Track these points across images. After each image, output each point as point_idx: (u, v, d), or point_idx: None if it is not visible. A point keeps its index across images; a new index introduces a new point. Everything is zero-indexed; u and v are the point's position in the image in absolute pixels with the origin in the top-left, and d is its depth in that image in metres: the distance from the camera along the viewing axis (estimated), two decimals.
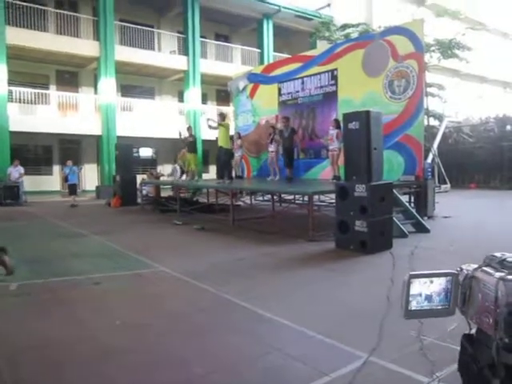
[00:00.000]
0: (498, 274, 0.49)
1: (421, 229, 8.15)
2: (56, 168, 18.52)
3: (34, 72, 18.10)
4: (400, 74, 9.50)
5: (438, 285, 0.55)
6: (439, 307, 0.56)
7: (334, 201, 7.65)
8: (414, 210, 8.89)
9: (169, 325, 3.86)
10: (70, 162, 14.93)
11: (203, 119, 19.54)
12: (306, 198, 10.41)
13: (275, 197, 12.02)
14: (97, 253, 7.05)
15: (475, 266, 0.53)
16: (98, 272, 5.61)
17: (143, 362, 3.12)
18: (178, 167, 14.43)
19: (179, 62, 19.89)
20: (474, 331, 0.55)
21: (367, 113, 6.63)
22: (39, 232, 8.99)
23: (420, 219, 8.44)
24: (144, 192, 14.14)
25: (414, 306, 0.56)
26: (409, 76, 9.32)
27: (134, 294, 4.89)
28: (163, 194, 14.31)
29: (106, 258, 6.62)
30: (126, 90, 20.09)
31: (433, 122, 18.46)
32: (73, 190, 14.57)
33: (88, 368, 3.04)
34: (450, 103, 19.48)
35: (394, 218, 7.33)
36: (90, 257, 6.73)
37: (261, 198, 13.65)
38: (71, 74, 19.43)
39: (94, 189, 17.62)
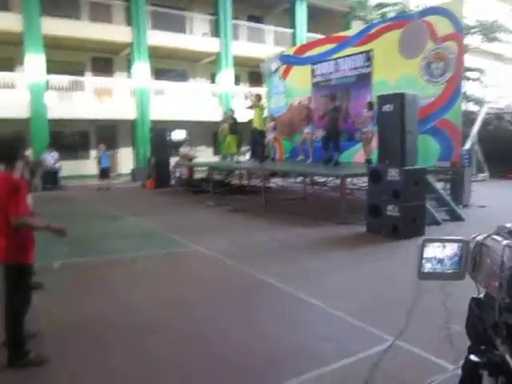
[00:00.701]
0: (505, 242, 0.52)
1: (455, 217, 7.95)
2: (93, 153, 18.98)
3: (70, 60, 18.49)
4: (438, 56, 9.19)
5: (450, 250, 0.59)
6: (450, 271, 0.59)
7: (366, 184, 7.58)
8: (448, 198, 8.67)
9: (202, 301, 4.01)
10: (102, 146, 15.30)
11: (236, 101, 19.62)
12: (338, 181, 10.33)
13: (307, 179, 11.99)
14: (134, 233, 7.30)
15: (486, 235, 0.56)
16: (135, 251, 5.83)
17: (177, 337, 3.27)
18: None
19: (211, 45, 19.89)
20: (482, 295, 0.58)
21: (402, 95, 6.51)
22: (78, 214, 9.35)
23: (454, 207, 8.23)
24: (177, 174, 14.37)
25: (427, 268, 0.60)
26: (448, 58, 9.01)
27: (170, 271, 5.07)
28: (196, 175, 14.52)
29: (143, 238, 6.86)
30: (159, 73, 20.29)
31: (472, 107, 17.79)
32: (105, 173, 14.97)
33: (127, 339, 3.22)
34: (491, 88, 18.69)
35: (427, 205, 7.20)
36: (128, 237, 6.98)
37: (293, 180, 13.64)
38: (106, 61, 19.77)
39: (129, 172, 18.04)
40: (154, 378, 2.69)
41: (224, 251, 5.66)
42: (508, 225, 0.55)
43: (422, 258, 0.59)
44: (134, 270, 5.07)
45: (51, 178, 14.45)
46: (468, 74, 16.56)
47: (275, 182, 12.86)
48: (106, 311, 3.75)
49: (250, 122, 13.76)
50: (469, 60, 16.41)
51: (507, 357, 0.53)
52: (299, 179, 12.89)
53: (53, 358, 2.87)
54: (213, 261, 5.39)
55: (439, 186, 9.07)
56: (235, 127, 12.85)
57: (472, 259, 0.58)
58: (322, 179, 12.15)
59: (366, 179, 7.49)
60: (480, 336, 0.58)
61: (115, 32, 17.61)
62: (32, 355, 2.81)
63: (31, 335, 3.00)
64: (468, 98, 16.51)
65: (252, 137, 11.09)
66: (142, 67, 18.00)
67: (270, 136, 12.76)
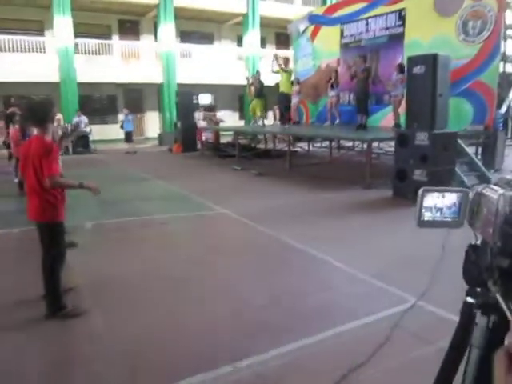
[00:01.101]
0: (501, 191, 0.55)
1: (485, 181, 7.68)
2: (120, 117, 19.25)
3: (97, 23, 18.46)
4: (476, 14, 8.74)
5: (449, 199, 0.62)
6: (449, 219, 0.62)
7: (393, 149, 7.46)
8: (479, 162, 8.45)
9: (231, 262, 4.15)
10: (125, 110, 15.43)
11: (262, 64, 19.29)
12: (365, 145, 10.20)
13: (333, 143, 11.87)
14: (161, 195, 7.48)
15: (485, 185, 0.59)
16: (163, 213, 6.00)
17: (204, 292, 3.41)
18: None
19: (238, 5, 19.43)
20: (478, 242, 0.62)
21: (434, 56, 6.28)
22: (108, 177, 9.58)
23: (485, 171, 8.04)
24: (204, 138, 14.45)
25: (426, 216, 0.63)
26: (486, 16, 8.56)
27: (197, 233, 5.23)
28: (222, 140, 14.57)
29: (170, 201, 7.03)
30: (185, 36, 20.07)
31: (510, 68, 16.92)
32: (129, 137, 15.11)
33: (157, 298, 3.38)
34: None
35: (457, 169, 7.05)
36: (156, 199, 7.17)
37: (319, 145, 13.52)
38: (132, 23, 19.65)
39: (156, 136, 18.24)
40: (180, 332, 2.84)
41: (249, 214, 5.76)
42: (508, 176, 0.57)
43: (421, 206, 0.62)
44: (163, 231, 5.24)
45: (82, 142, 14.79)
46: (509, 32, 15.66)
47: (301, 146, 12.78)
48: (136, 269, 3.93)
49: (277, 85, 13.60)
50: (511, 17, 15.50)
51: (498, 296, 0.57)
52: (325, 143, 12.76)
53: (88, 310, 3.06)
54: (239, 224, 5.50)
55: (471, 150, 8.84)
56: (261, 91, 12.72)
57: (470, 208, 0.61)
58: (349, 143, 12.00)
59: (393, 143, 7.36)
60: (475, 279, 0.62)
61: None
62: (69, 308, 3.01)
63: (67, 290, 3.21)
64: (507, 59, 15.67)
65: (279, 100, 11.00)
66: (168, 29, 17.82)
67: (294, 100, 12.59)
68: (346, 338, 2.69)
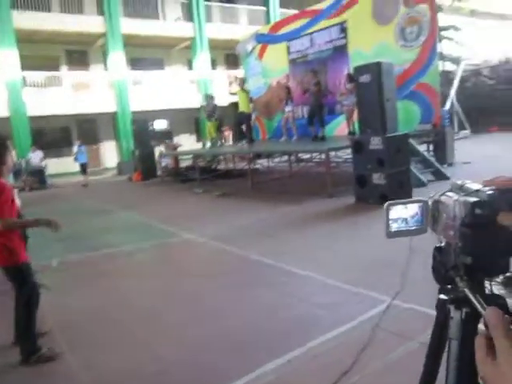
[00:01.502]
0: (455, 197, 0.62)
1: (440, 176, 8.15)
2: (76, 149, 18.87)
3: (45, 54, 18.15)
4: (412, 20, 9.22)
5: (412, 209, 0.68)
6: (414, 227, 0.68)
7: (350, 156, 7.68)
8: (433, 159, 8.85)
9: (201, 286, 4.10)
10: (77, 142, 15.08)
11: (215, 85, 19.49)
12: (323, 156, 10.43)
13: (292, 157, 12.07)
14: (125, 226, 7.35)
15: (441, 192, 0.65)
16: (128, 244, 5.90)
17: (177, 320, 3.37)
18: None
19: (185, 30, 19.64)
20: (442, 244, 0.68)
21: (378, 64, 6.57)
22: (69, 211, 9.33)
23: (439, 167, 8.43)
24: (163, 164, 14.36)
25: (393, 228, 0.68)
26: (421, 21, 9.04)
27: (164, 261, 5.16)
28: (182, 164, 14.51)
29: (135, 231, 6.92)
30: (135, 63, 20.02)
31: (450, 66, 17.92)
32: (83, 169, 14.80)
33: (129, 332, 3.31)
34: (467, 45, 18.80)
35: (412, 168, 7.35)
36: (120, 230, 7.04)
37: (278, 160, 13.71)
38: (81, 53, 19.45)
39: (115, 165, 17.96)
40: (161, 362, 2.79)
41: (215, 236, 5.75)
42: (459, 182, 0.64)
43: (388, 219, 0.68)
44: (130, 262, 5.15)
45: (38, 178, 14.35)
46: (443, 33, 16.61)
47: (260, 163, 12.92)
48: (106, 303, 3.83)
49: (231, 105, 13.77)
50: (444, 19, 16.47)
51: (466, 291, 0.63)
52: (284, 158, 12.97)
53: (63, 353, 2.96)
54: (206, 247, 5.47)
55: (423, 148, 9.23)
56: (213, 113, 12.90)
57: (431, 215, 0.67)
58: (307, 156, 12.24)
59: (349, 151, 7.59)
60: (444, 278, 0.68)
61: (87, 22, 17.33)
62: (44, 351, 2.89)
63: (41, 334, 3.09)
64: (444, 58, 16.59)
65: (239, 120, 11.21)
66: (117, 57, 17.76)
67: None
68: (328, 347, 2.71)
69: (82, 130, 19.07)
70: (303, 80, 11.58)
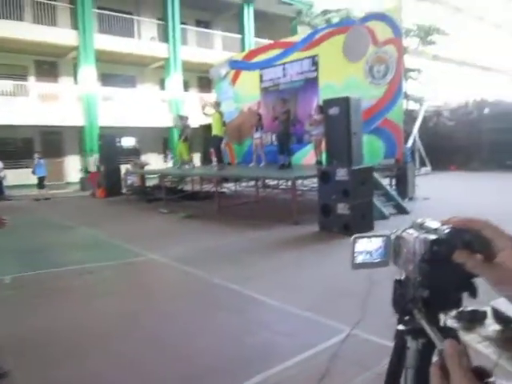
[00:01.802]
0: (415, 234, 0.67)
1: (401, 210, 8.43)
2: (35, 161, 18.32)
3: (12, 63, 17.71)
4: (380, 59, 9.67)
5: (376, 243, 0.72)
6: (377, 260, 0.73)
7: (316, 185, 7.84)
8: (394, 193, 9.15)
9: (161, 309, 4.03)
10: (36, 155, 14.63)
11: (186, 107, 19.55)
12: (289, 183, 10.59)
13: (259, 183, 12.18)
14: (86, 243, 7.15)
15: (403, 229, 0.70)
16: (89, 262, 5.73)
17: (137, 345, 3.29)
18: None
19: (160, 50, 19.73)
20: (403, 277, 0.73)
21: (347, 99, 6.81)
22: (28, 225, 9.02)
23: (400, 201, 8.72)
24: (129, 182, 14.15)
25: (359, 260, 0.73)
26: (388, 61, 9.50)
27: (125, 281, 5.04)
28: (148, 183, 14.35)
29: (96, 249, 6.74)
30: (106, 79, 19.86)
31: (413, 105, 18.79)
32: (41, 183, 14.35)
33: (82, 355, 3.20)
34: (430, 87, 19.81)
35: (375, 201, 7.57)
36: (80, 248, 6.84)
37: (245, 185, 13.80)
38: (50, 64, 19.11)
39: (78, 180, 17.52)
40: None
41: (179, 258, 5.69)
42: (419, 220, 0.69)
43: (354, 252, 0.73)
44: (89, 281, 5.00)
45: None
46: (409, 73, 17.47)
47: (228, 187, 12.96)
48: (60, 324, 3.69)
49: (202, 127, 13.84)
50: (409, 61, 17.35)
51: (422, 322, 0.68)
52: (252, 183, 13.07)
53: (10, 371, 2.82)
54: (169, 268, 5.40)
55: (386, 182, 9.54)
56: (187, 135, 12.95)
57: (393, 249, 0.72)
58: (274, 182, 12.39)
59: (316, 180, 7.75)
60: (403, 309, 0.72)
61: (60, 34, 17.06)
62: None
63: None
64: (409, 97, 17.41)
65: (213, 143, 11.30)
66: (88, 71, 17.55)
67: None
68: (288, 375, 2.72)
69: (46, 143, 18.58)
70: (274, 108, 11.84)
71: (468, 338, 1.58)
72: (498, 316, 1.63)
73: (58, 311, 4.02)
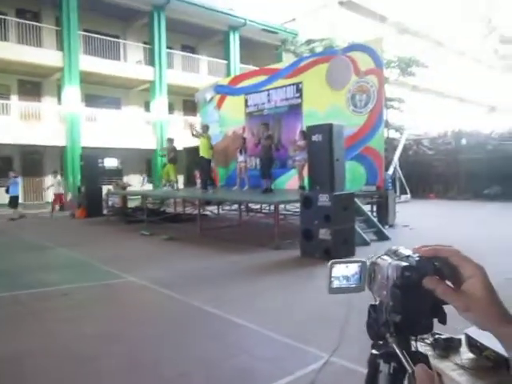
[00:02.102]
0: (389, 260, 0.70)
1: (382, 237, 8.52)
2: (11, 180, 17.99)
3: None
4: (361, 89, 9.93)
5: (352, 269, 0.75)
6: (353, 285, 0.75)
7: (299, 210, 7.89)
8: (375, 219, 9.27)
9: (139, 332, 3.95)
10: (11, 173, 14.35)
11: (171, 129, 19.63)
12: (272, 207, 10.64)
13: (242, 206, 12.20)
14: (64, 264, 7.01)
15: (378, 255, 0.73)
16: (66, 283, 5.61)
17: (114, 369, 3.21)
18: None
19: (145, 73, 19.91)
20: (377, 302, 0.75)
21: (330, 126, 6.95)
22: (4, 245, 8.82)
23: (381, 228, 8.82)
24: (110, 203, 14.01)
25: (335, 284, 0.75)
26: (369, 90, 9.76)
27: (103, 304, 4.94)
28: (130, 204, 14.22)
29: (74, 270, 6.61)
30: (91, 100, 19.87)
31: (394, 134, 19.23)
32: (15, 202, 14.02)
33: (59, 378, 3.11)
34: (410, 116, 20.36)
35: (357, 227, 7.64)
36: (58, 269, 6.69)
37: (228, 208, 13.79)
38: (34, 84, 19.07)
39: None
40: None
41: (158, 281, 5.62)
42: (394, 247, 0.72)
43: (330, 276, 0.75)
44: (64, 303, 4.89)
45: None
46: (390, 103, 17.94)
47: (210, 209, 12.94)
48: (35, 347, 3.58)
49: (186, 150, 13.90)
50: (390, 90, 17.85)
51: (394, 346, 0.70)
52: (234, 206, 13.08)
53: None
54: (148, 291, 5.33)
55: (367, 208, 9.66)
56: (175, 156, 12.99)
57: (368, 275, 0.74)
58: (257, 206, 12.43)
59: (298, 205, 7.81)
60: (376, 334, 0.75)
61: (45, 55, 17.12)
62: None
63: None
64: (390, 126, 17.83)
65: (200, 165, 11.41)
66: (72, 92, 17.54)
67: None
68: None
69: (26, 161, 18.36)
70: (255, 132, 12.02)
71: (442, 365, 1.60)
72: (472, 344, 1.66)
73: (32, 333, 3.91)
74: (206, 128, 11.47)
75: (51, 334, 3.92)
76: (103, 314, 4.55)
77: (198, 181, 12.66)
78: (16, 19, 17.29)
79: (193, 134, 11.41)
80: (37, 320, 4.30)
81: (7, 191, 14.08)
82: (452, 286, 0.64)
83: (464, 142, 19.48)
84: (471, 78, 30.66)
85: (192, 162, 13.72)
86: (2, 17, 16.63)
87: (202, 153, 11.07)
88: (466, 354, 1.65)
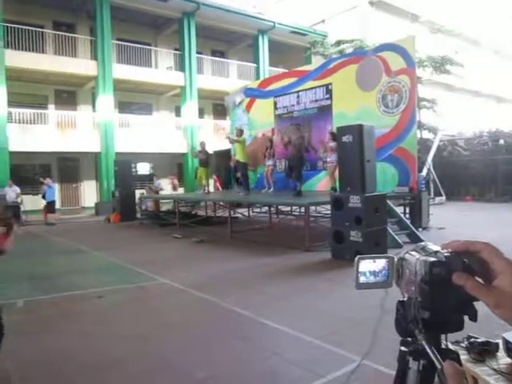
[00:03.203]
0: (417, 255, 0.68)
1: (415, 239, 8.31)
2: (55, 186, 18.67)
3: (33, 92, 18.36)
4: (393, 89, 9.76)
5: (379, 264, 0.74)
6: (381, 281, 0.74)
7: (330, 212, 7.83)
8: (408, 221, 9.07)
9: (172, 334, 4.01)
10: (48, 180, 14.82)
11: (201, 133, 19.88)
12: (302, 210, 10.59)
13: (272, 208, 12.20)
14: (99, 268, 7.20)
15: (406, 251, 0.72)
16: (101, 286, 5.76)
17: (146, 370, 3.27)
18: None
19: (176, 78, 20.23)
20: (405, 299, 0.74)
21: (360, 126, 6.86)
22: (42, 250, 9.14)
23: (414, 230, 8.62)
24: (143, 207, 14.29)
25: (362, 280, 0.74)
26: (401, 91, 9.59)
27: (137, 306, 5.04)
28: (162, 208, 14.48)
29: (109, 273, 6.77)
30: (123, 106, 20.37)
31: (427, 135, 18.77)
32: (51, 207, 14.52)
33: (93, 378, 3.19)
34: (444, 116, 19.83)
35: (389, 229, 7.51)
36: (93, 272, 6.89)
37: (258, 210, 13.82)
38: (69, 93, 19.72)
39: (93, 205, 17.76)
40: None
41: (191, 283, 5.69)
42: (422, 243, 0.71)
43: (357, 272, 0.74)
44: (100, 305, 5.02)
45: (13, 214, 14.02)
46: (422, 103, 17.54)
47: (241, 212, 13.00)
48: (72, 349, 3.70)
49: (215, 154, 14.04)
50: (423, 90, 17.45)
51: (424, 343, 0.68)
52: (264, 209, 13.09)
53: None
54: (181, 293, 5.40)
55: (399, 210, 9.47)
56: (207, 160, 13.13)
57: (396, 271, 0.73)
58: (287, 208, 12.40)
59: (329, 207, 7.74)
60: (405, 330, 0.73)
61: (80, 65, 17.66)
62: None
63: None
64: (423, 127, 17.41)
65: (236, 169, 11.61)
66: (106, 100, 18.03)
67: None
68: None
69: (63, 168, 18.99)
70: (284, 134, 12.01)
71: (478, 369, 1.54)
72: (510, 349, 1.60)
73: (69, 335, 4.03)
74: (240, 132, 11.53)
75: (86, 336, 4.03)
76: (136, 316, 4.64)
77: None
78: (53, 31, 17.94)
79: (230, 142, 11.55)
80: (72, 322, 4.43)
81: (44, 197, 14.59)
82: (482, 281, 0.63)
83: (502, 142, 18.81)
84: (509, 76, 29.61)
85: (221, 166, 13.84)
86: (40, 30, 17.29)
87: (238, 156, 11.16)
88: (503, 359, 1.59)
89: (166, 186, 17.77)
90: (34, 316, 4.65)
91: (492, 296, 0.61)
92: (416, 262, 0.67)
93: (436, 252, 0.66)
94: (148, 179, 20.85)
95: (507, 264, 0.61)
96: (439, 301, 0.65)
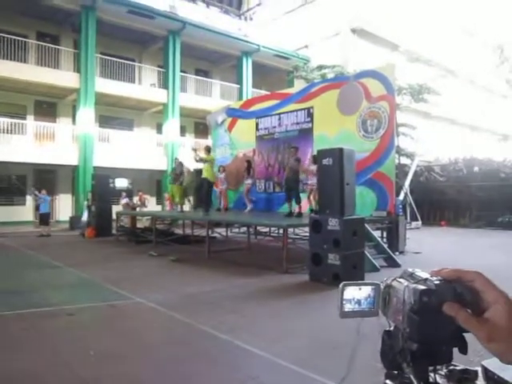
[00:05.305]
0: (405, 283, 0.65)
1: (392, 263, 8.37)
2: (29, 198, 18.24)
3: (12, 102, 18.05)
4: (372, 114, 9.95)
5: (365, 292, 0.71)
6: (366, 309, 0.71)
7: (308, 234, 7.81)
8: (385, 245, 9.13)
9: (143, 355, 3.87)
10: (44, 192, 14.68)
11: (182, 151, 19.79)
12: (281, 231, 10.56)
13: (251, 229, 12.14)
14: (71, 284, 6.98)
15: (393, 278, 0.69)
16: (72, 303, 5.57)
17: None
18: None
19: (159, 95, 20.21)
20: (392, 328, 0.70)
21: (340, 150, 6.93)
22: (12, 263, 8.84)
23: (391, 254, 8.68)
24: (120, 222, 14.03)
25: (347, 308, 0.71)
26: (381, 116, 9.78)
27: (108, 325, 4.88)
28: (139, 224, 14.24)
29: (81, 290, 6.58)
30: (104, 120, 20.18)
31: (405, 160, 19.14)
32: (45, 219, 14.33)
33: None
34: (421, 143, 20.29)
35: (366, 252, 7.52)
36: (65, 288, 6.67)
37: (237, 230, 13.73)
38: (49, 105, 19.45)
39: (67, 219, 17.36)
40: None
41: (166, 302, 5.55)
42: (410, 269, 0.68)
43: (342, 299, 0.71)
44: (70, 323, 4.83)
45: None
46: (401, 129, 17.93)
47: (219, 231, 12.89)
48: (36, 368, 3.53)
49: (196, 172, 13.95)
50: (401, 117, 17.85)
51: (411, 377, 0.65)
52: (243, 229, 13.01)
53: None
54: (155, 313, 5.26)
55: (377, 234, 9.54)
56: (182, 178, 13.02)
57: (382, 299, 0.70)
58: (266, 229, 12.35)
59: (307, 229, 7.73)
60: (391, 362, 0.70)
61: (62, 77, 17.50)
62: None
63: None
64: (401, 152, 17.76)
65: (201, 186, 11.35)
66: (87, 113, 17.84)
67: (222, 187, 12.88)
68: None
69: (39, 180, 18.57)
70: (283, 156, 11.97)
71: None
72: (489, 377, 1.57)
73: (36, 353, 3.85)
74: (209, 150, 11.47)
75: (54, 354, 3.86)
76: (108, 335, 4.48)
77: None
78: (36, 42, 17.77)
79: (196, 160, 11.41)
80: (41, 340, 4.25)
81: (37, 209, 14.30)
82: (473, 312, 0.60)
83: (476, 169, 19.33)
84: (483, 106, 30.61)
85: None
86: (23, 39, 17.11)
87: (205, 174, 11.04)
88: None
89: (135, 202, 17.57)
90: (0, 332, 4.45)
91: (484, 329, 0.58)
92: (404, 290, 0.64)
93: (425, 279, 0.63)
94: (126, 195, 20.56)
95: (500, 295, 0.59)
96: (428, 332, 0.62)
